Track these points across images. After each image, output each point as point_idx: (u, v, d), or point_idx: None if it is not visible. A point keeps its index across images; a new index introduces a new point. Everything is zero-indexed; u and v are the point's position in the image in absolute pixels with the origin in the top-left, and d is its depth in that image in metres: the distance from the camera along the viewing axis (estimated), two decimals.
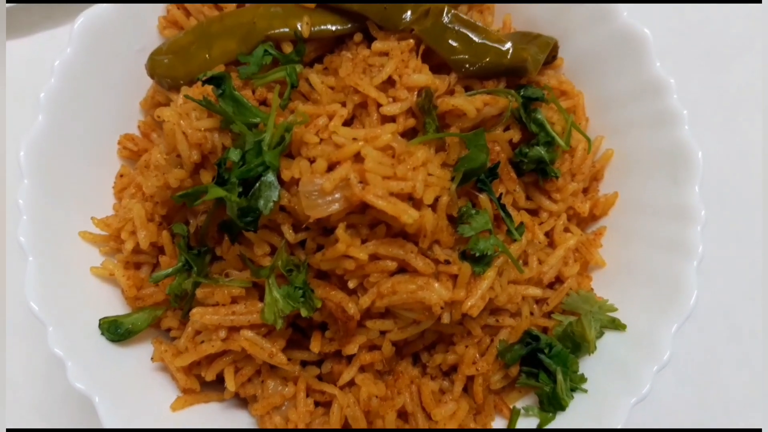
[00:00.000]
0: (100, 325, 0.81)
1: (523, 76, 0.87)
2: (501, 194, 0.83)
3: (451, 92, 0.83)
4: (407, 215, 0.69)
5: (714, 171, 1.16)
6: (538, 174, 0.87)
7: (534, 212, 0.90)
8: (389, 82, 0.79)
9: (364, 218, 0.73)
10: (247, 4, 0.95)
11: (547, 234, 0.89)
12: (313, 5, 0.89)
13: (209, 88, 0.77)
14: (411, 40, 0.83)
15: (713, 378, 1.08)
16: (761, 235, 1.15)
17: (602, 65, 0.97)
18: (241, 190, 0.73)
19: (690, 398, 1.06)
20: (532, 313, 0.85)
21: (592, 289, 0.90)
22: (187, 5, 0.97)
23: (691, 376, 1.06)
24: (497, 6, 1.03)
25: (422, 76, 0.78)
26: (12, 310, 1.08)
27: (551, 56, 0.98)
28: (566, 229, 0.92)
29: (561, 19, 0.99)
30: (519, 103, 0.84)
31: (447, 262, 0.74)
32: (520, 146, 0.86)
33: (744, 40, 1.30)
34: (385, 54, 0.82)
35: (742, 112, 1.25)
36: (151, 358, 0.83)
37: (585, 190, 0.97)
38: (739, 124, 1.24)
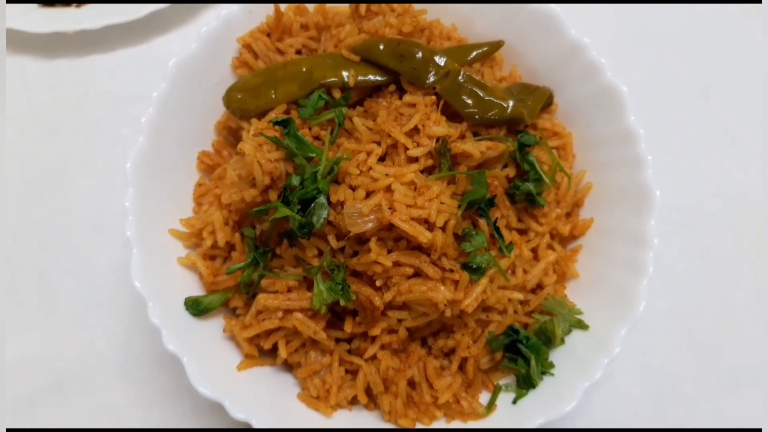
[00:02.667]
0: (185, 302, 1.06)
1: (520, 124, 1.10)
2: (497, 218, 1.05)
3: (462, 137, 1.06)
4: (423, 236, 0.92)
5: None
6: (527, 202, 1.10)
7: (523, 231, 1.13)
8: (415, 130, 1.02)
9: (391, 234, 0.97)
10: (304, 56, 1.19)
11: (533, 250, 1.13)
12: (358, 59, 1.12)
13: (278, 128, 1.01)
14: (434, 97, 1.06)
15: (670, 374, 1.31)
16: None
17: (589, 113, 1.19)
18: (299, 207, 0.98)
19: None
20: (515, 312, 1.08)
21: (565, 296, 1.13)
22: (255, 50, 1.21)
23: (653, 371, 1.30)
24: (506, 58, 1.26)
25: (440, 128, 1.01)
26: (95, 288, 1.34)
27: (547, 103, 1.21)
28: (549, 246, 1.14)
29: (558, 71, 1.21)
30: (515, 147, 1.07)
31: (451, 271, 0.97)
32: (515, 180, 1.09)
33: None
34: (413, 106, 1.05)
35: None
36: (223, 330, 1.07)
37: (568, 214, 1.19)
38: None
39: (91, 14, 1.56)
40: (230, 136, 1.23)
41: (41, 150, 1.47)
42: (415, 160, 1.01)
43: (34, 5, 1.58)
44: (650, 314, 1.30)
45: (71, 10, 1.58)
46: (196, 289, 1.10)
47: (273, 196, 1.01)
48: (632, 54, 1.52)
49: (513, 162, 1.09)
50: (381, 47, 1.10)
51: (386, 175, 0.97)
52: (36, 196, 1.42)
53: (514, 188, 1.08)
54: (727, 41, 1.55)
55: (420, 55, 1.07)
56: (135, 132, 1.11)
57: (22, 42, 1.56)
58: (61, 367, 1.29)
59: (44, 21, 1.52)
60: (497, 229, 1.03)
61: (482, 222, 1.02)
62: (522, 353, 1.03)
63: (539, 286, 1.11)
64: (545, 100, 1.18)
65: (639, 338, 1.29)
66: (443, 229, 0.97)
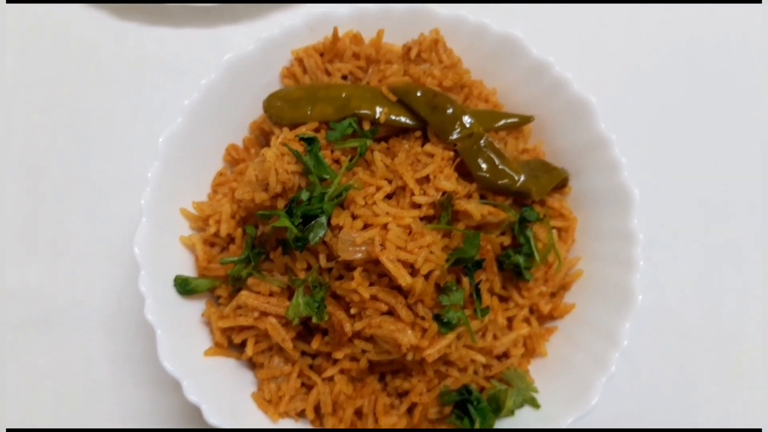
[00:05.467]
0: (174, 280, 1.12)
1: (528, 198, 1.15)
2: (481, 281, 1.10)
3: (469, 196, 1.11)
4: (403, 279, 0.97)
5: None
6: (514, 273, 1.14)
7: (505, 299, 1.17)
8: (426, 179, 1.07)
9: (377, 269, 1.02)
10: (348, 82, 1.26)
11: (510, 319, 1.16)
12: (395, 99, 1.18)
13: (303, 143, 1.08)
14: (452, 153, 1.11)
15: None
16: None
17: (598, 205, 1.22)
18: (301, 221, 1.03)
19: None
20: (476, 373, 1.11)
21: (528, 371, 1.16)
22: (306, 65, 1.28)
23: None
24: (535, 131, 1.31)
25: (449, 184, 1.06)
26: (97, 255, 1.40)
27: (562, 185, 1.25)
28: (526, 320, 1.18)
29: (579, 158, 1.25)
30: (516, 219, 1.12)
31: (423, 318, 1.02)
32: (509, 249, 1.13)
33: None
34: (431, 156, 1.11)
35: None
36: (202, 314, 1.13)
37: (553, 294, 1.23)
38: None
39: None
40: (262, 136, 1.30)
41: (94, 100, 1.57)
42: (418, 206, 1.06)
43: None
44: (605, 413, 1.31)
45: None
46: (189, 270, 1.17)
47: (281, 203, 1.07)
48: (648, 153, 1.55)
49: (510, 232, 1.13)
50: (418, 94, 1.16)
51: (387, 213, 1.02)
52: (78, 138, 1.51)
53: (505, 256, 1.12)
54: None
55: (451, 111, 1.13)
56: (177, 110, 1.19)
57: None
58: (52, 305, 1.37)
59: None
60: (478, 291, 1.07)
61: (466, 280, 1.07)
62: (470, 413, 1.07)
63: (505, 355, 1.15)
64: (559, 182, 1.22)
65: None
66: (426, 277, 1.01)
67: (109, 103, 1.57)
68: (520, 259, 1.11)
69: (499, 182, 1.11)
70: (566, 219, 1.24)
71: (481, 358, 1.09)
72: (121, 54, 1.64)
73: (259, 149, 1.29)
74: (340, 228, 1.03)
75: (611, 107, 1.32)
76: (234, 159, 1.27)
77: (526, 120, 1.24)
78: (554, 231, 1.21)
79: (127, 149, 1.50)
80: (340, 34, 1.29)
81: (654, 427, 1.33)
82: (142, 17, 1.69)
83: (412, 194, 1.06)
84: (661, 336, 1.39)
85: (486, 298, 1.10)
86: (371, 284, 1.03)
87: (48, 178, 1.47)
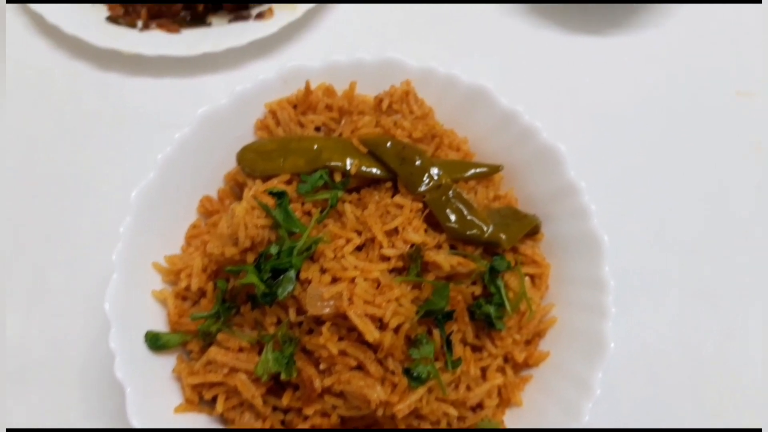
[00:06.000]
0: (145, 335, 1.11)
1: (498, 248, 1.16)
2: (452, 332, 1.10)
3: (439, 247, 1.12)
4: (371, 334, 0.97)
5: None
6: (486, 323, 1.14)
7: (479, 348, 1.17)
8: (395, 231, 1.08)
9: (345, 323, 1.01)
10: (319, 135, 1.27)
11: (483, 369, 1.16)
12: (365, 151, 1.20)
13: (273, 198, 1.09)
14: (421, 204, 1.12)
15: None
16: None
17: (568, 252, 1.23)
18: (270, 275, 1.04)
19: None
20: (449, 425, 1.10)
21: (502, 421, 1.15)
22: (279, 117, 1.30)
23: None
24: (507, 179, 1.32)
25: (417, 236, 1.07)
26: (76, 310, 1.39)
27: (533, 231, 1.26)
28: (500, 369, 1.17)
29: (550, 205, 1.27)
30: (486, 269, 1.12)
31: (392, 373, 1.01)
32: (480, 299, 1.14)
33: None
34: (401, 207, 1.12)
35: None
36: (173, 370, 1.13)
37: (528, 342, 1.22)
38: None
39: (150, 41, 1.69)
40: (236, 188, 1.31)
41: (73, 152, 1.59)
42: (387, 259, 1.07)
43: (102, 19, 1.71)
44: None
45: (134, 33, 1.72)
46: (161, 324, 1.16)
47: (251, 258, 1.07)
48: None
49: (481, 281, 1.13)
50: (388, 145, 1.18)
51: (355, 267, 1.03)
52: (55, 190, 1.52)
53: (476, 306, 1.12)
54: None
55: (419, 163, 1.15)
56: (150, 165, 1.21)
57: (81, 51, 1.70)
58: (27, 359, 1.35)
59: (106, 37, 1.66)
60: (449, 343, 1.07)
61: (436, 332, 1.06)
62: None
63: (480, 406, 1.14)
64: (530, 229, 1.23)
65: None
66: (396, 331, 1.01)
67: (88, 155, 1.59)
68: (491, 309, 1.11)
69: (468, 233, 1.12)
70: (539, 265, 1.24)
71: (453, 411, 1.08)
72: (102, 105, 1.67)
73: (233, 200, 1.29)
74: (309, 282, 1.03)
75: (582, 153, 1.35)
76: (208, 211, 1.28)
77: (495, 169, 1.26)
78: (527, 278, 1.21)
79: (107, 202, 1.50)
80: (313, 86, 1.31)
81: None
82: (123, 68, 1.72)
83: (381, 247, 1.07)
84: (641, 381, 1.39)
85: (459, 349, 1.10)
86: (341, 338, 1.02)
87: (23, 229, 1.48)
